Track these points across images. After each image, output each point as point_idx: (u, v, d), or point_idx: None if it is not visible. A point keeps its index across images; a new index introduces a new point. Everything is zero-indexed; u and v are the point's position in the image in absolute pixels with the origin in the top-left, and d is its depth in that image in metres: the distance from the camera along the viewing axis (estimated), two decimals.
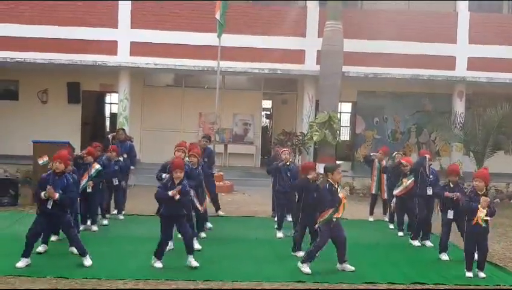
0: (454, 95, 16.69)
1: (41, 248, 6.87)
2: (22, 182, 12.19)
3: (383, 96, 17.95)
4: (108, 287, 5.59)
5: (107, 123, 21.82)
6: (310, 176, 7.11)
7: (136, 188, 10.24)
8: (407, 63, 15.82)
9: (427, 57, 15.82)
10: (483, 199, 6.33)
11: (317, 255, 6.49)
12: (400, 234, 8.88)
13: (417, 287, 6.07)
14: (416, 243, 8.19)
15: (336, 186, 6.54)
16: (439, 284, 6.21)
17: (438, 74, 16.05)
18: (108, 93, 20.67)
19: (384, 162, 9.91)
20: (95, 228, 8.45)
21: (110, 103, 21.42)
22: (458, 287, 6.15)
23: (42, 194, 6.24)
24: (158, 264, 6.35)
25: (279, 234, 8.46)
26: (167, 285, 5.75)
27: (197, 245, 7.29)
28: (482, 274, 6.56)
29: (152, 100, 17.42)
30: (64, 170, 6.54)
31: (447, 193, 7.13)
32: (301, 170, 7.44)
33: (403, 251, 7.93)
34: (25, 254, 6.29)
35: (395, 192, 8.71)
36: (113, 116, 20.04)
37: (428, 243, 8.16)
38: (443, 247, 7.37)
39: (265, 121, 21.74)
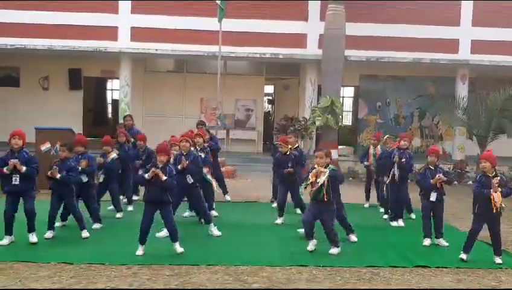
0: (458, 79, 16.58)
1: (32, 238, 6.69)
2: None
3: (385, 80, 17.86)
4: (112, 272, 5.62)
5: (109, 109, 21.84)
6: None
7: None
8: (409, 46, 15.70)
9: (430, 40, 15.69)
10: (493, 181, 6.16)
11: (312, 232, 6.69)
12: (385, 217, 9.04)
13: (420, 271, 6.09)
14: (395, 223, 8.49)
15: (317, 168, 6.53)
16: (441, 267, 6.22)
17: (441, 57, 15.94)
18: (110, 80, 20.65)
19: (378, 149, 9.93)
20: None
21: (112, 89, 21.41)
22: (460, 269, 6.17)
23: (5, 169, 6.29)
24: (139, 252, 6.30)
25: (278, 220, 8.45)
26: (170, 269, 5.78)
27: (216, 231, 7.46)
28: (498, 260, 6.50)
29: (153, 86, 17.37)
30: (69, 155, 6.69)
31: (433, 181, 7.14)
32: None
33: (403, 234, 7.94)
34: (7, 233, 6.52)
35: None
36: (115, 102, 20.03)
37: (400, 223, 8.50)
38: (427, 232, 7.33)
39: (267, 107, 21.68)
